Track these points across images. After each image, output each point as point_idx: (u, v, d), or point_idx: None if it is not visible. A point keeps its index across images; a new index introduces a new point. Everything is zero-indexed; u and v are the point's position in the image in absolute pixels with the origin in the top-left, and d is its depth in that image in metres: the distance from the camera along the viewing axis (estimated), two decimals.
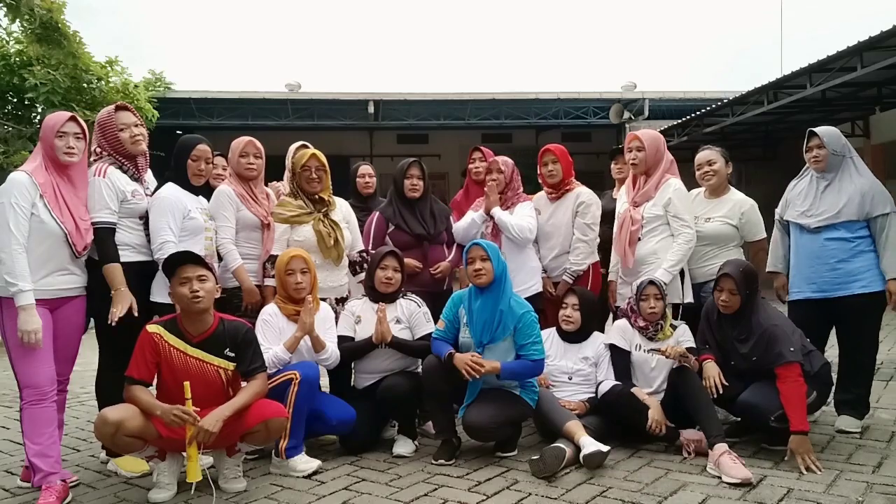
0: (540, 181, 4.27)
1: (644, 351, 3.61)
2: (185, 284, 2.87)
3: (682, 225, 3.81)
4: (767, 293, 3.61)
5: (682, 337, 3.62)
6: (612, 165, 4.72)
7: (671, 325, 3.64)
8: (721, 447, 3.09)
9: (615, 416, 3.49)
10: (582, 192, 4.14)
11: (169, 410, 2.73)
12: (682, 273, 3.86)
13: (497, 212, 4.00)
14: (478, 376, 3.25)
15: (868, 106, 10.37)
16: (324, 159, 3.76)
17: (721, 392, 3.33)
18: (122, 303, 3.08)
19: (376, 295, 3.65)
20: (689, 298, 3.85)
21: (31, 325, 2.83)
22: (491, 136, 15.91)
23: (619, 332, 3.70)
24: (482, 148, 4.40)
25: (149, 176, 3.50)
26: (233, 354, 2.97)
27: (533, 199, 4.35)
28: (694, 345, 3.58)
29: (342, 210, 3.91)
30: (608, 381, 3.56)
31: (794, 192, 3.81)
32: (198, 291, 2.86)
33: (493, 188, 4.03)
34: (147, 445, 2.87)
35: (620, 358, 3.64)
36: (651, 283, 3.61)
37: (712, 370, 3.39)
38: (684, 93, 14.29)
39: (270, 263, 3.62)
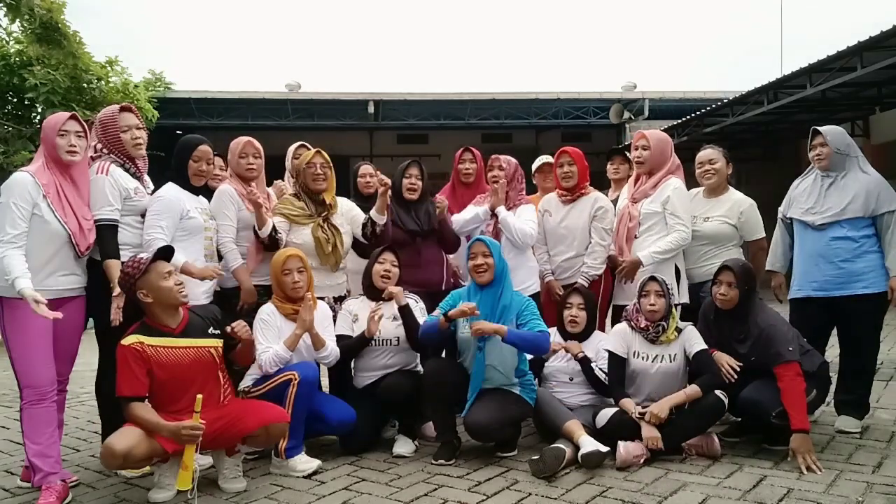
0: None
1: (643, 358, 3.46)
2: (168, 278, 2.91)
3: (677, 222, 3.80)
4: (765, 293, 3.60)
5: (689, 340, 3.43)
6: (609, 166, 4.72)
7: (676, 329, 3.47)
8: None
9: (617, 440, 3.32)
10: (599, 197, 4.13)
11: (178, 429, 2.73)
12: (677, 274, 3.86)
13: (502, 211, 3.97)
14: (481, 330, 3.24)
15: (868, 106, 10.39)
16: (327, 158, 3.77)
17: (738, 374, 3.29)
18: (122, 299, 3.08)
19: (374, 292, 3.65)
20: (685, 299, 3.84)
21: (37, 300, 2.76)
22: (491, 136, 15.92)
23: (617, 336, 3.56)
24: (472, 149, 4.33)
25: (147, 177, 3.50)
26: (218, 332, 3.04)
27: (541, 200, 4.34)
28: (704, 346, 3.40)
29: (343, 208, 3.91)
30: (606, 410, 3.41)
31: (797, 189, 3.81)
32: (182, 283, 2.96)
33: (496, 188, 3.97)
34: (153, 460, 2.89)
35: (615, 366, 3.48)
36: (653, 279, 3.48)
37: (723, 357, 3.37)
38: (684, 93, 14.30)
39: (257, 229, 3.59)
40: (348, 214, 3.91)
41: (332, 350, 3.48)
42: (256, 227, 3.54)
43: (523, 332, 3.32)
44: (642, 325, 3.47)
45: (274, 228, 3.58)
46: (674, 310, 3.50)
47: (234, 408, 3.00)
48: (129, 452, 2.69)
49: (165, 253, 2.97)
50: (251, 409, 2.97)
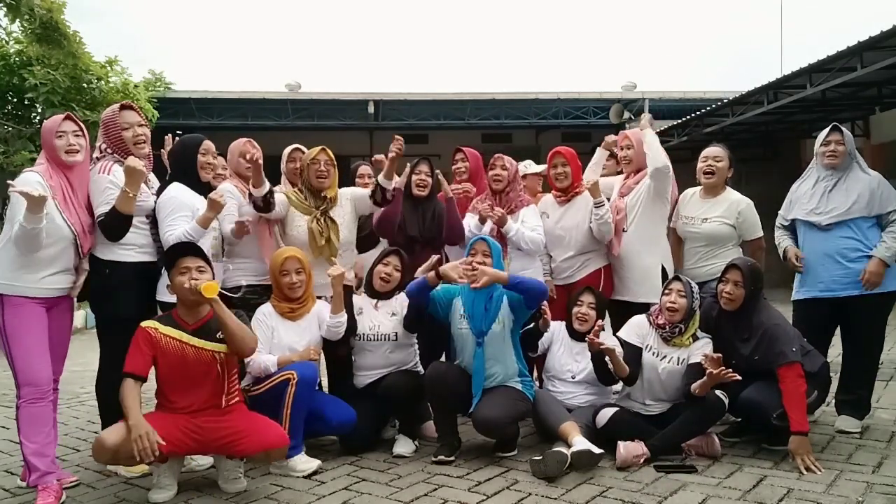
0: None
1: (654, 354, 3.42)
2: (184, 274, 2.90)
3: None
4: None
5: (697, 350, 3.36)
6: None
7: (694, 336, 3.43)
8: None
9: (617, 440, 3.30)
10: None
11: (133, 431, 2.64)
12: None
13: (511, 227, 3.92)
14: (478, 283, 3.25)
15: (868, 106, 10.37)
16: (332, 155, 3.79)
17: (739, 374, 3.18)
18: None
19: (374, 292, 3.67)
20: None
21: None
22: (491, 136, 15.89)
23: (633, 327, 3.52)
24: (463, 149, 4.38)
25: (151, 176, 3.50)
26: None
27: (539, 202, 4.34)
28: (702, 363, 3.21)
29: (346, 194, 3.90)
30: (606, 410, 3.40)
31: (798, 192, 3.80)
32: (197, 280, 2.89)
33: (499, 211, 3.91)
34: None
35: (628, 357, 3.38)
36: (677, 278, 3.48)
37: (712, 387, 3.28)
38: (684, 93, 14.29)
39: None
40: (352, 195, 3.91)
41: (344, 319, 3.48)
42: (252, 188, 3.51)
43: (524, 278, 3.40)
44: (660, 322, 3.44)
45: (270, 192, 3.57)
46: (695, 317, 3.44)
47: (237, 422, 2.94)
48: (119, 447, 2.69)
49: (191, 249, 2.97)
50: (252, 430, 2.92)
